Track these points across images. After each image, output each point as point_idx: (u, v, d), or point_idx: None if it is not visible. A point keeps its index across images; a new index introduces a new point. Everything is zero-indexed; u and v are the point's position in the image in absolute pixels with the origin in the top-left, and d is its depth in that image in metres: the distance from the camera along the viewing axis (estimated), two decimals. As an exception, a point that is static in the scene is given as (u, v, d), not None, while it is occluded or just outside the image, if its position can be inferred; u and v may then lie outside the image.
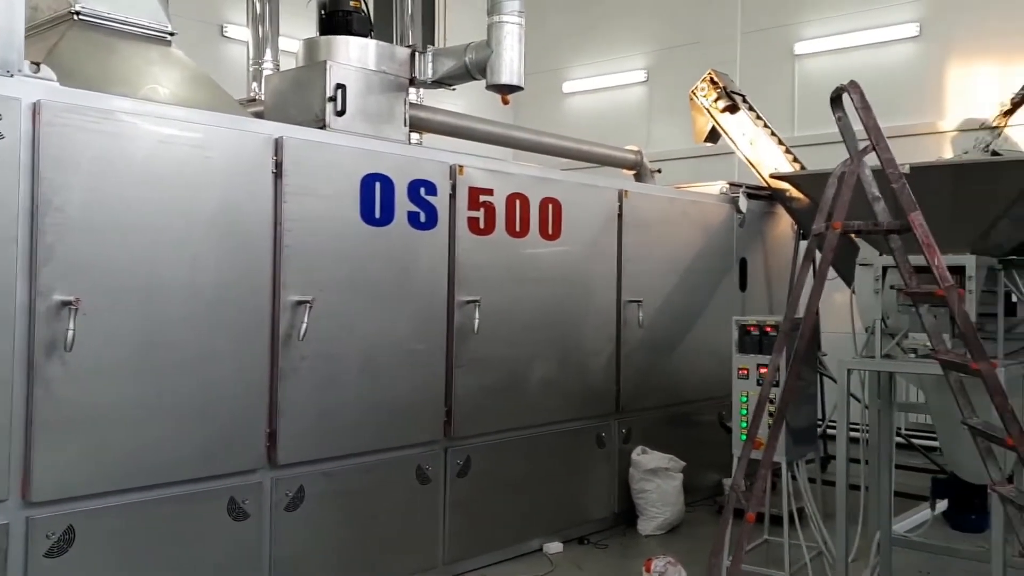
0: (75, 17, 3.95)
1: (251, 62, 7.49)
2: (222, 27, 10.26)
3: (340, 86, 4.55)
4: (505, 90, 4.93)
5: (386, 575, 4.44)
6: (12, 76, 3.26)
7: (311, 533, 4.11)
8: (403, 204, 4.50)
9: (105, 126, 3.45)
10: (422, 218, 4.59)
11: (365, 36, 4.93)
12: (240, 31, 9.87)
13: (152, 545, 3.58)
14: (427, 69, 4.98)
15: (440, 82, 5.03)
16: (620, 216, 5.74)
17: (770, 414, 4.19)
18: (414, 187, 4.55)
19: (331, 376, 4.18)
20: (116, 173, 3.48)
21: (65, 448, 3.33)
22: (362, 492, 4.33)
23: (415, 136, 5.85)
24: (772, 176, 6.52)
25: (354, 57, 4.81)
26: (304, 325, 3.99)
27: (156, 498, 3.60)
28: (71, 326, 3.29)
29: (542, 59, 10.85)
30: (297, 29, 8.08)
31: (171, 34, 4.32)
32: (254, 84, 7.44)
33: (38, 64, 3.37)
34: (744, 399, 4.85)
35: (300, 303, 4.02)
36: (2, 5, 3.29)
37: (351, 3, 4.94)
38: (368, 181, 4.35)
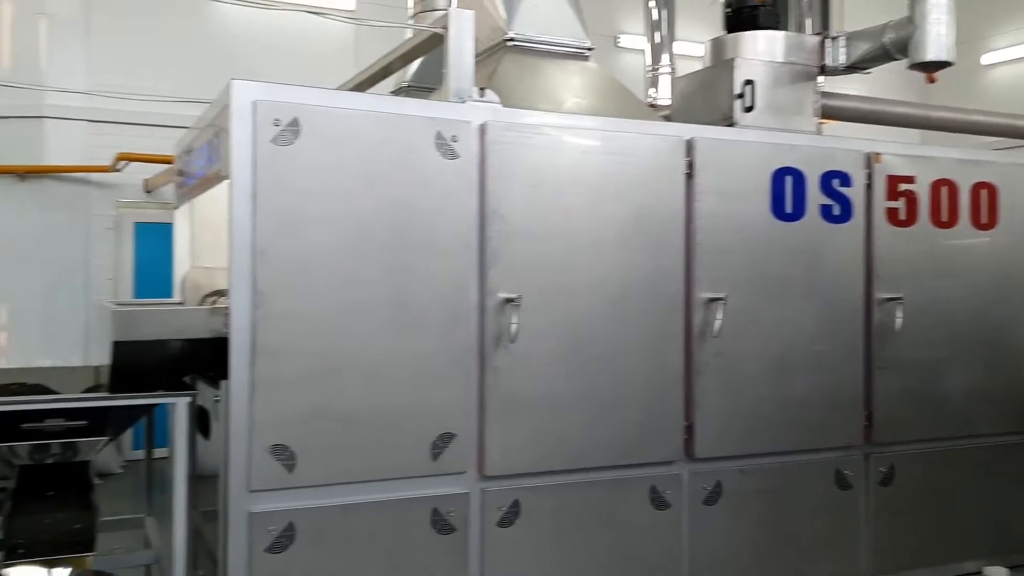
0: (508, 43, 4.41)
1: (648, 68, 7.77)
2: (616, 38, 10.76)
3: (748, 82, 4.53)
4: (932, 68, 4.54)
5: (802, 580, 4.33)
6: (464, 102, 3.73)
7: (727, 528, 4.14)
8: (815, 197, 4.35)
9: (537, 141, 3.80)
10: (836, 211, 4.40)
11: (772, 29, 4.84)
12: (632, 40, 10.30)
13: (582, 525, 3.86)
14: (839, 55, 4.76)
15: (853, 67, 4.78)
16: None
17: None
18: (826, 179, 4.38)
19: (742, 372, 4.18)
20: (546, 184, 3.81)
21: (510, 429, 3.72)
22: (778, 492, 4.27)
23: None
24: None
25: (761, 51, 4.75)
26: (718, 321, 4.04)
27: (585, 481, 3.87)
28: (514, 321, 3.67)
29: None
30: (693, 32, 8.24)
31: (589, 49, 4.63)
32: (651, 90, 7.69)
33: (483, 89, 3.81)
34: None
35: (712, 300, 4.07)
36: (454, 44, 3.78)
37: (756, -2, 4.89)
38: (778, 176, 4.28)
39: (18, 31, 8.15)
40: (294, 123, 3.37)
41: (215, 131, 3.68)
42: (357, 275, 3.47)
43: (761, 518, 4.23)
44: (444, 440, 3.60)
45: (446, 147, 3.62)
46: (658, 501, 3.99)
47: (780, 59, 4.76)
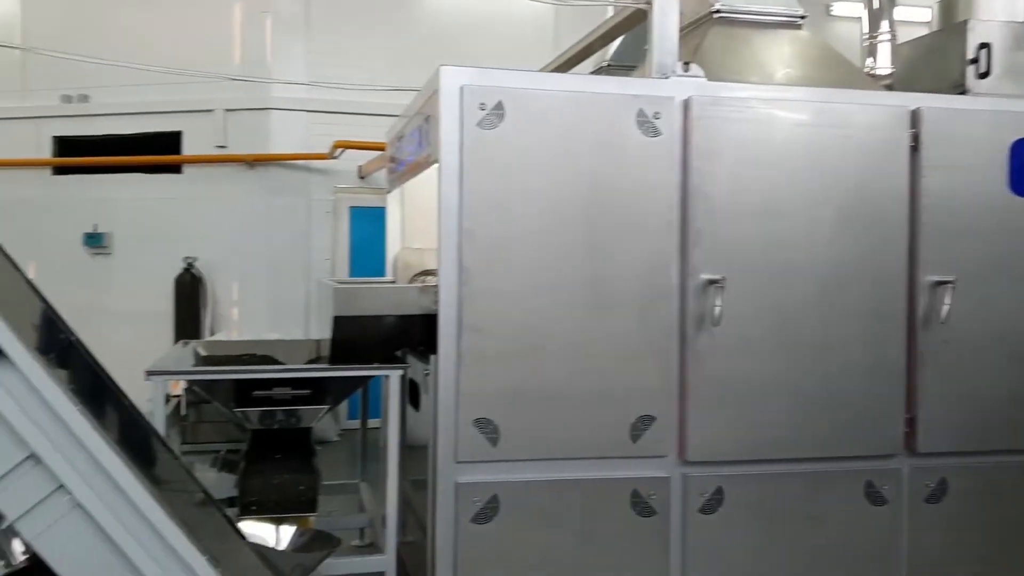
0: (715, 16, 4.26)
1: (865, 36, 7.25)
2: (828, 6, 10.17)
3: (983, 45, 4.13)
4: None
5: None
6: (668, 78, 3.64)
7: (951, 529, 3.83)
8: (1063, 170, 3.90)
9: (744, 115, 3.65)
10: (1088, 184, 3.93)
11: (1013, -16, 4.39)
12: (847, 8, 9.68)
13: (788, 516, 3.70)
14: (1093, 10, 4.24)
15: (1111, 23, 4.24)
16: None
17: None
18: (1077, 149, 3.91)
19: (972, 362, 3.83)
20: (754, 160, 3.66)
21: (713, 414, 3.62)
22: (1009, 493, 3.89)
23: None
24: None
25: (999, 11, 4.31)
26: (946, 306, 3.72)
27: (792, 472, 3.71)
28: (717, 303, 3.56)
29: None
30: (915, -6, 7.62)
31: (802, 17, 4.39)
32: (869, 59, 7.18)
33: (687, 64, 3.70)
34: None
35: (940, 283, 3.75)
36: (658, 18, 3.70)
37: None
38: (1018, 147, 3.86)
39: (246, 29, 8.85)
40: (498, 107, 3.43)
41: (424, 117, 3.82)
42: (557, 255, 3.50)
43: (989, 520, 3.87)
44: (644, 423, 3.56)
45: (648, 124, 3.56)
46: (874, 496, 3.75)
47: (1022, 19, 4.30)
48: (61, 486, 2.32)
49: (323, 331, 3.95)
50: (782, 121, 3.69)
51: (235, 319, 8.62)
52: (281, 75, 8.55)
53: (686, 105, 3.60)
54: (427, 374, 3.55)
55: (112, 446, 2.38)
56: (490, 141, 3.43)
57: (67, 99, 9.04)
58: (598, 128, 3.53)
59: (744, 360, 3.65)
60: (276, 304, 8.53)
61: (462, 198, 3.41)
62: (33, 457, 2.31)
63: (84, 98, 9.01)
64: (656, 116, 3.56)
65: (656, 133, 3.56)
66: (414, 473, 3.95)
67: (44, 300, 2.79)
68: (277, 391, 3.51)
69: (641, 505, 3.56)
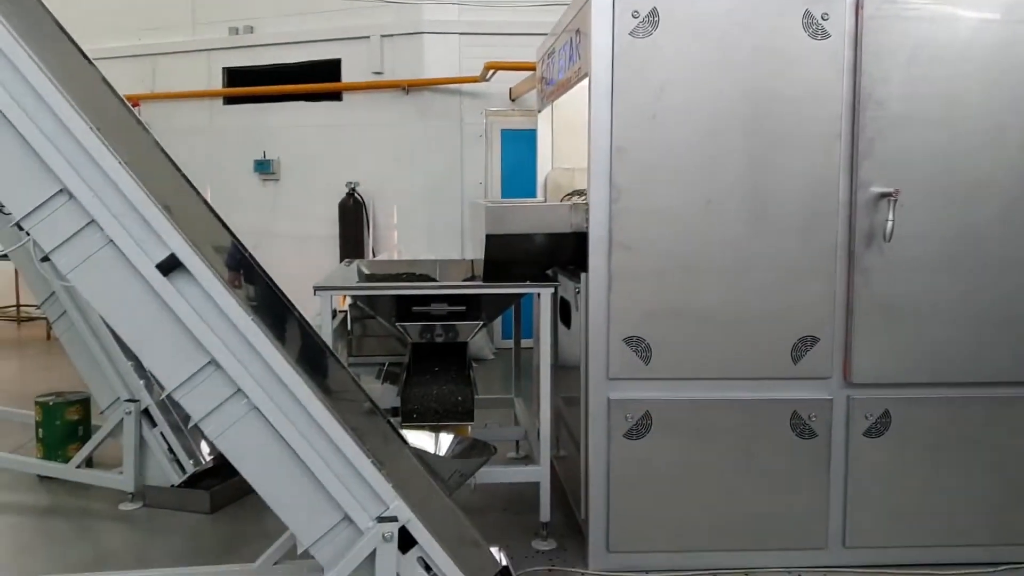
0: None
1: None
2: None
3: None
4: None
5: None
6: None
7: None
8: None
9: (923, 12, 3.34)
10: None
11: None
12: None
13: (960, 443, 3.50)
14: None
15: None
16: None
17: None
18: None
19: None
20: (932, 63, 3.36)
21: (881, 335, 3.44)
22: None
23: None
24: None
25: None
26: None
27: (965, 396, 3.49)
28: (890, 218, 3.34)
29: None
30: None
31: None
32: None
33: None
34: None
35: None
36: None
37: None
38: None
39: (400, -46, 8.90)
40: (652, 13, 3.30)
41: (575, 30, 3.73)
42: (713, 169, 3.38)
43: None
44: (806, 343, 3.43)
45: (815, 26, 3.33)
46: (1060, 425, 3.49)
47: None
48: (238, 390, 2.50)
49: (477, 252, 4.01)
50: (966, 18, 3.36)
51: (395, 241, 8.90)
52: (433, -3, 8.59)
53: (858, 3, 3.34)
54: (578, 292, 3.55)
55: (284, 355, 2.53)
56: (643, 51, 3.31)
57: (234, 31, 9.45)
58: (759, 33, 3.34)
59: (916, 279, 3.43)
60: (432, 226, 8.74)
61: (613, 112, 3.33)
62: (213, 363, 2.49)
63: (250, 29, 9.39)
64: (824, 17, 3.33)
65: (824, 35, 3.33)
66: (566, 390, 4.00)
67: (221, 221, 2.97)
68: (435, 307, 3.61)
69: (801, 427, 3.46)
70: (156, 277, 2.43)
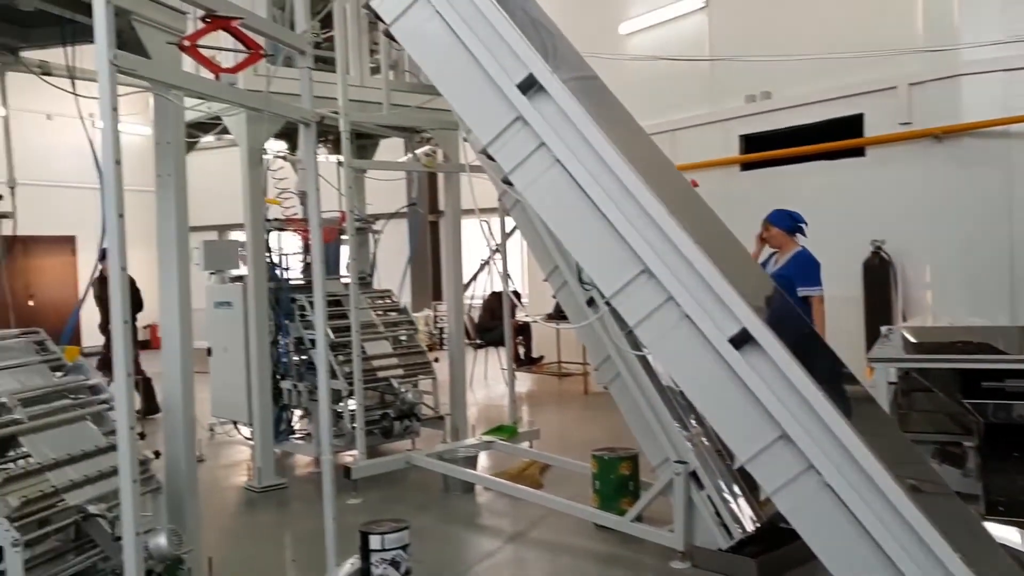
0: None
1: None
2: None
3: None
4: None
5: None
6: None
7: None
8: None
9: None
10: None
11: None
12: None
13: None
14: None
15: None
16: None
17: None
18: None
19: None
20: None
21: None
22: None
23: None
24: None
25: None
26: None
27: None
28: None
29: None
30: None
31: None
32: None
33: None
34: None
35: None
36: None
37: None
38: None
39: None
40: None
41: None
42: None
43: None
44: None
45: None
46: None
47: None
48: (810, 466, 2.45)
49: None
50: None
51: (928, 303, 8.16)
52: (972, 37, 7.81)
53: None
54: None
55: (854, 429, 2.43)
56: None
57: (751, 99, 9.67)
58: None
59: None
60: (974, 286, 7.82)
61: None
62: (784, 437, 2.49)
63: (767, 95, 9.53)
64: None
65: None
66: None
67: (775, 286, 2.99)
68: (1009, 383, 3.19)
69: None
70: (730, 352, 2.52)
